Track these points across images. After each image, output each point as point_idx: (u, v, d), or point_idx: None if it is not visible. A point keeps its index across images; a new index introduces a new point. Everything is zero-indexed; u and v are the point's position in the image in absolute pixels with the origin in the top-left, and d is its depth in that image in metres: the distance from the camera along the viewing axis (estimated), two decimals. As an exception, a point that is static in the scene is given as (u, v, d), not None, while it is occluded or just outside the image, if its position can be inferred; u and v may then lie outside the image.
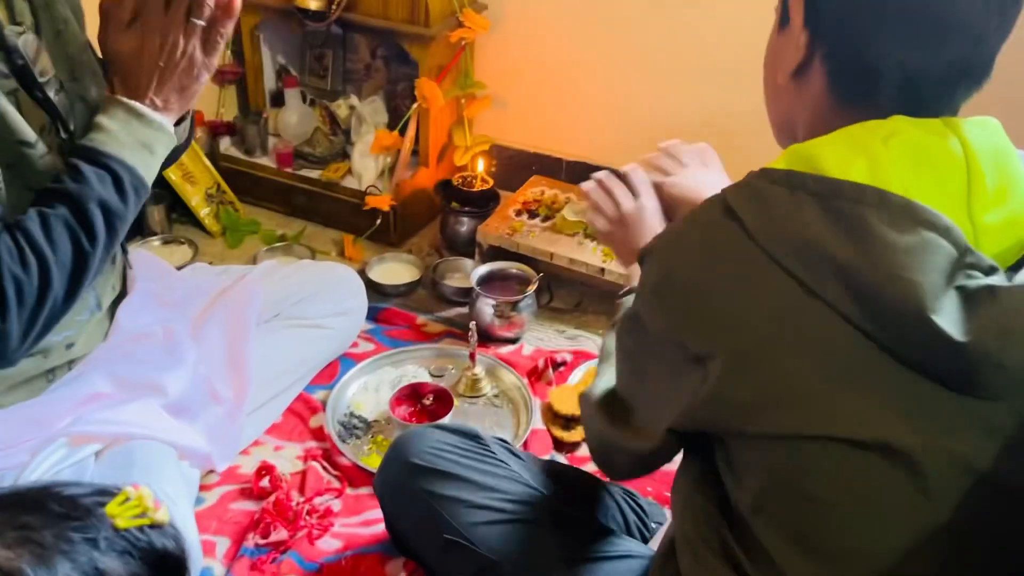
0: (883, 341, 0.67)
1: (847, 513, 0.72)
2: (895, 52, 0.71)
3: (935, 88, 0.73)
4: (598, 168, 2.12)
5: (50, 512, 0.71)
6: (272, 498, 1.39)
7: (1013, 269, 0.71)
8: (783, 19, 0.79)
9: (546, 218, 1.97)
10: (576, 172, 2.20)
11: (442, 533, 1.13)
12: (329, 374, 1.68)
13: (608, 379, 0.97)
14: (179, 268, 1.74)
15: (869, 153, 0.70)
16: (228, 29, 1.16)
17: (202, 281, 1.63)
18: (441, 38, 1.98)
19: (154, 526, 0.75)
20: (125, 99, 1.13)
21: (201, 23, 1.13)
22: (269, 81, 2.28)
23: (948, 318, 0.65)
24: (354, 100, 2.19)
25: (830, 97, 0.77)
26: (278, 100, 2.27)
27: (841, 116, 0.75)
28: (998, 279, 0.68)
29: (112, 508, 0.73)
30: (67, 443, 1.19)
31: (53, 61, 1.17)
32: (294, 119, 2.22)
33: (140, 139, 1.14)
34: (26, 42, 1.12)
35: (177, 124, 1.22)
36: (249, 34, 2.17)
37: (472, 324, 1.64)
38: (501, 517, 1.11)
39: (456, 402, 1.59)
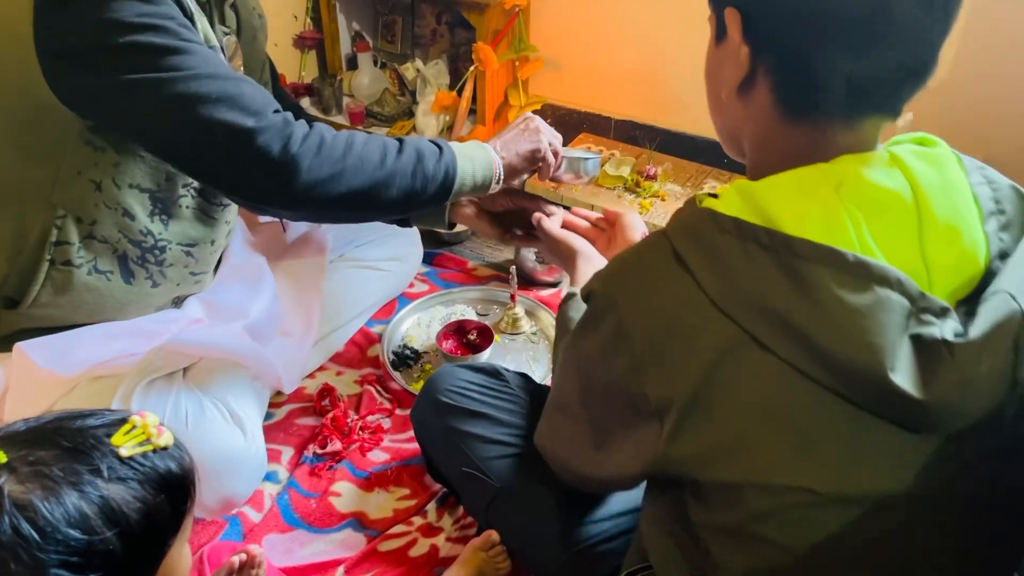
0: (842, 392, 0.64)
1: (799, 554, 0.70)
2: (840, 63, 0.66)
3: (881, 92, 0.68)
4: (644, 126, 2.18)
5: (60, 447, 0.73)
6: (331, 415, 1.51)
7: (966, 302, 0.69)
8: (719, 32, 0.73)
9: (590, 173, 2.03)
10: (624, 130, 2.24)
11: (461, 466, 1.19)
12: (387, 310, 1.79)
13: (555, 408, 0.94)
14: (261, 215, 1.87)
15: (822, 204, 0.66)
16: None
17: (281, 227, 1.76)
18: (496, 5, 2.04)
19: (157, 451, 0.77)
20: None
21: None
22: (345, 46, 2.38)
23: (905, 376, 0.62)
24: (419, 63, 2.28)
25: (777, 111, 0.71)
26: (352, 64, 2.37)
27: (788, 130, 0.71)
28: (951, 324, 0.64)
29: (117, 438, 0.75)
30: (161, 357, 1.30)
31: (245, 64, 1.29)
32: (366, 81, 2.32)
33: None
34: (228, 43, 1.25)
35: None
36: (326, 3, 2.27)
37: (513, 269, 1.73)
38: (513, 451, 1.16)
39: (497, 338, 1.68)
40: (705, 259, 0.67)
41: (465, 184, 1.23)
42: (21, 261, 1.17)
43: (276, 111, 1.08)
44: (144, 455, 0.76)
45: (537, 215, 1.34)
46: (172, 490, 0.77)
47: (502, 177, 1.28)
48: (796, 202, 0.66)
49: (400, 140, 1.18)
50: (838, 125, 0.69)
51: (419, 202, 1.20)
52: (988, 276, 0.69)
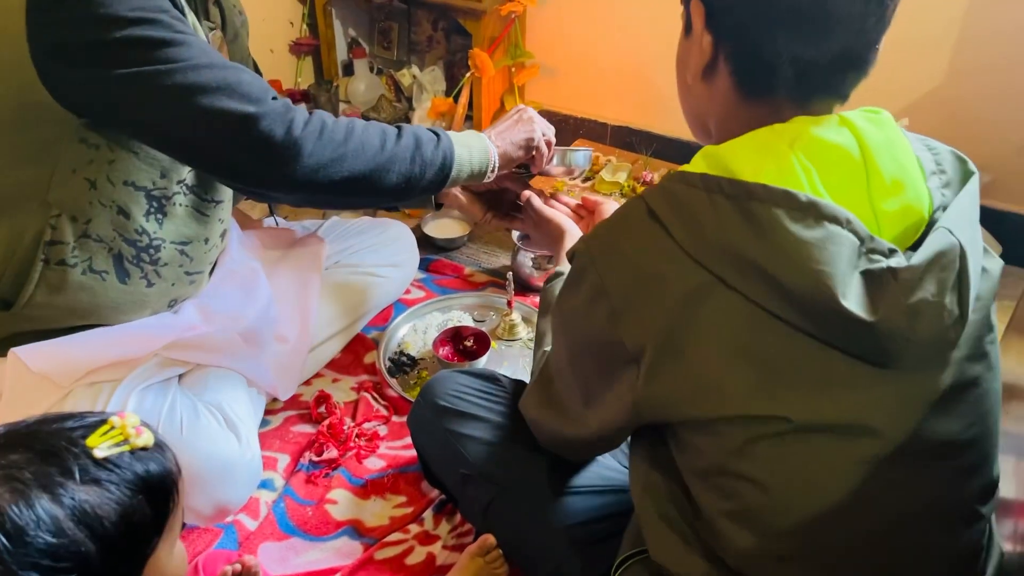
0: (803, 327, 0.70)
1: (776, 492, 0.74)
2: (787, 47, 0.73)
3: (825, 78, 0.75)
4: (641, 132, 2.18)
5: (33, 449, 0.71)
6: (327, 422, 1.50)
7: (911, 249, 0.74)
8: (687, 25, 0.81)
9: (586, 179, 2.03)
10: (620, 136, 2.25)
11: (459, 468, 1.19)
12: (384, 317, 1.78)
13: (541, 374, 1.00)
14: (257, 220, 1.87)
15: (777, 157, 0.72)
16: None
17: (277, 232, 1.76)
18: (492, 12, 2.04)
19: (136, 451, 0.75)
20: None
21: None
22: (341, 52, 2.38)
23: (856, 301, 0.68)
24: (415, 70, 2.28)
25: (735, 92, 0.79)
26: (348, 70, 2.37)
27: (747, 109, 0.78)
28: (897, 260, 0.70)
29: (93, 439, 0.73)
30: (157, 363, 1.30)
31: (229, 58, 1.29)
32: (362, 87, 2.32)
33: None
34: (214, 38, 1.25)
35: None
36: (322, 9, 2.26)
37: (509, 274, 1.72)
38: (511, 453, 1.16)
39: (494, 344, 1.68)
40: (675, 211, 0.74)
41: (462, 171, 1.26)
42: (15, 261, 1.17)
43: (275, 98, 1.10)
44: (121, 456, 0.74)
45: (527, 193, 1.42)
46: (152, 491, 0.76)
47: (497, 165, 1.31)
48: (753, 156, 0.73)
49: (398, 127, 1.21)
50: (790, 105, 0.77)
51: (417, 187, 1.22)
52: (931, 226, 0.75)
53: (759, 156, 0.73)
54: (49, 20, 1.02)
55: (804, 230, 0.68)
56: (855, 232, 0.70)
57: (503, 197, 1.52)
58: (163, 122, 1.07)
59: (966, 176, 0.80)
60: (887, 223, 0.74)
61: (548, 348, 1.09)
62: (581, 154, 1.44)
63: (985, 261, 0.78)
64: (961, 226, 0.74)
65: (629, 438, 0.93)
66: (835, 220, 0.69)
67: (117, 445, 0.74)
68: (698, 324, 0.72)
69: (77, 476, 0.71)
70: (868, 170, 0.74)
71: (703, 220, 0.72)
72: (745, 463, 0.74)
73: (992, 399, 0.78)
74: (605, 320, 0.78)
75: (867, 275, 0.69)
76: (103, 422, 0.75)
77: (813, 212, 0.69)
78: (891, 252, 0.71)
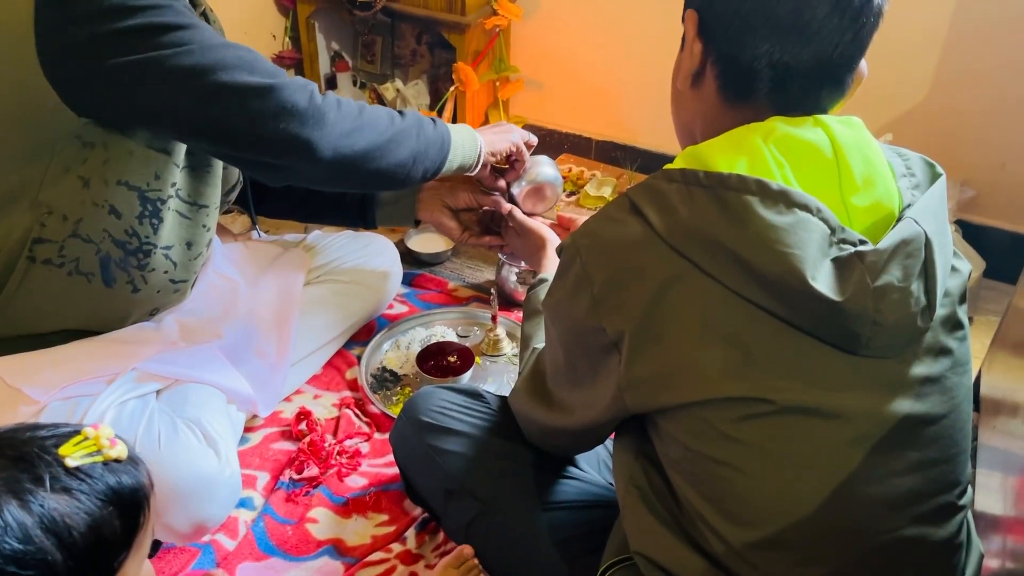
0: (776, 311, 0.73)
1: (756, 476, 0.76)
2: (767, 52, 0.78)
3: (803, 88, 0.80)
4: (625, 147, 2.19)
5: (4, 455, 0.71)
6: (308, 439, 1.49)
7: None
8: (684, 41, 0.87)
9: (571, 193, 2.04)
10: (605, 151, 2.25)
11: (443, 484, 1.19)
12: (366, 332, 1.77)
13: (530, 368, 1.05)
14: (238, 234, 1.86)
15: (751, 151, 0.77)
16: None
17: (258, 245, 1.75)
18: (477, 25, 2.05)
19: (109, 463, 0.75)
20: None
21: None
22: (324, 66, 2.37)
23: (825, 283, 0.71)
24: (399, 83, 2.28)
25: (720, 97, 0.84)
26: (331, 83, 2.36)
27: (730, 115, 0.82)
28: (866, 247, 0.74)
29: (65, 448, 0.73)
30: (135, 378, 1.28)
31: None
32: (345, 101, 2.32)
33: None
34: None
35: None
36: (305, 23, 2.27)
37: (493, 289, 1.72)
38: (494, 469, 1.17)
39: (478, 360, 1.67)
40: (655, 203, 0.77)
41: (456, 155, 1.34)
42: (1, 259, 1.16)
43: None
44: (93, 466, 0.74)
45: (508, 206, 1.51)
46: (123, 504, 0.75)
47: (484, 153, 1.39)
48: (728, 150, 0.77)
49: (399, 110, 1.28)
50: (770, 113, 0.81)
51: (421, 166, 1.29)
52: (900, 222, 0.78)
53: (734, 150, 0.77)
54: (60, 17, 1.03)
55: (775, 216, 0.72)
56: (825, 221, 0.73)
57: (481, 215, 1.57)
58: (185, 104, 1.10)
59: (934, 179, 0.84)
60: (858, 217, 0.78)
61: (537, 346, 1.15)
62: (543, 160, 1.53)
63: (954, 261, 0.82)
64: (926, 218, 0.77)
65: (613, 437, 0.96)
66: (805, 207, 0.73)
67: (90, 455, 0.74)
68: (674, 309, 0.75)
69: (48, 484, 0.71)
70: (840, 166, 0.77)
71: (679, 209, 0.75)
72: (724, 449, 0.77)
73: (962, 393, 0.81)
74: (587, 308, 0.81)
75: (837, 261, 0.73)
76: (77, 432, 0.75)
77: (784, 199, 0.72)
78: (861, 242, 0.74)
